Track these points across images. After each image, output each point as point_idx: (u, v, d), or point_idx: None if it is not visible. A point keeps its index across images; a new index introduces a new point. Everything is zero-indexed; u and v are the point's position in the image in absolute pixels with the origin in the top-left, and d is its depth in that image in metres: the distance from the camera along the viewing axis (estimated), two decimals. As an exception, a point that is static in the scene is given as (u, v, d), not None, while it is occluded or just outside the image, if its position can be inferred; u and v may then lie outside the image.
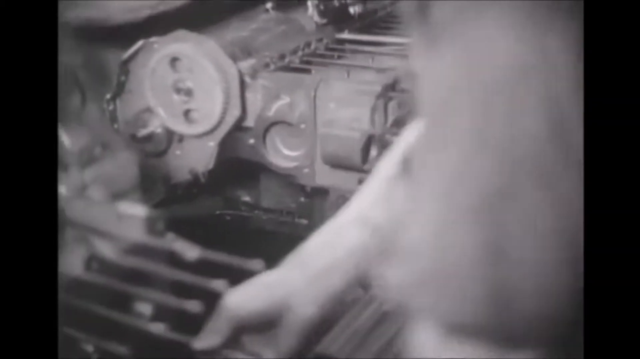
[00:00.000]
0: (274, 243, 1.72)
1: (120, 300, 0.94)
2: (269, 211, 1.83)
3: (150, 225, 0.99)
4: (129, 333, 0.92)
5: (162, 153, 1.66)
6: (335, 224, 1.12)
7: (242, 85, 1.60)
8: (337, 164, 1.56)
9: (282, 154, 1.63)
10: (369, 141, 1.53)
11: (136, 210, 1.00)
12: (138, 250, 0.98)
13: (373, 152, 1.54)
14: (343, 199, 1.63)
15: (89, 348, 0.92)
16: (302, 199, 1.76)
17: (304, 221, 1.78)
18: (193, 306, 0.82)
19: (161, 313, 0.96)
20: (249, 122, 1.62)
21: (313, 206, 1.73)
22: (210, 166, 1.65)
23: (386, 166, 1.11)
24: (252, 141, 1.62)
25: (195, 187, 1.74)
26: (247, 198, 1.84)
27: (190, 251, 0.97)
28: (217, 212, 1.85)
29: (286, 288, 1.06)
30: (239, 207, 1.85)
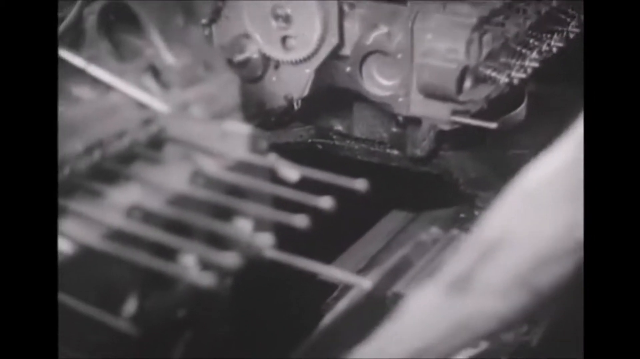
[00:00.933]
0: (365, 173, 1.71)
1: (223, 214, 0.93)
2: (360, 140, 1.81)
3: (254, 143, 0.98)
4: (231, 246, 0.91)
5: (258, 79, 1.66)
6: None
7: (341, 14, 1.58)
8: (432, 94, 1.53)
9: (378, 82, 1.61)
10: (464, 72, 1.51)
11: (240, 128, 0.99)
12: (241, 167, 0.97)
13: (467, 83, 1.52)
14: (435, 129, 1.62)
15: (189, 261, 0.91)
16: (395, 129, 1.73)
17: (395, 152, 1.76)
18: (300, 220, 0.81)
19: (262, 230, 0.95)
20: (346, 50, 1.61)
21: (405, 136, 1.71)
22: (306, 93, 1.64)
23: None
24: (348, 69, 1.61)
25: (289, 114, 1.73)
26: (339, 127, 1.83)
27: (293, 171, 0.96)
28: (309, 140, 1.83)
29: None
30: (330, 137, 1.83)
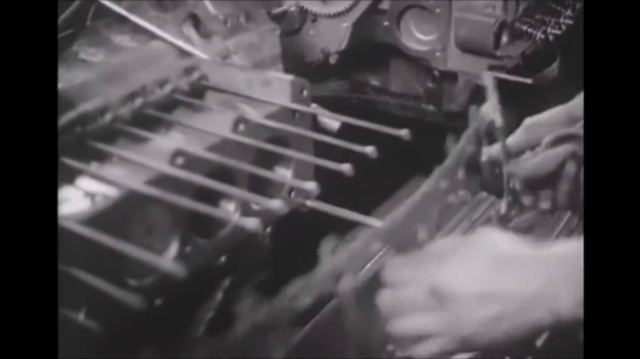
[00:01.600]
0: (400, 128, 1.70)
1: (265, 162, 0.92)
2: (396, 95, 1.79)
3: (296, 92, 0.97)
4: (273, 194, 0.91)
5: (295, 32, 1.64)
6: None
7: (379, -33, 1.56)
8: (469, 48, 1.52)
9: (416, 37, 1.60)
10: (501, 27, 1.50)
11: (283, 76, 0.97)
12: (283, 115, 0.95)
13: (504, 38, 1.51)
14: (470, 84, 1.60)
15: (231, 207, 0.90)
16: (430, 84, 1.72)
17: (431, 107, 1.74)
18: (346, 168, 0.80)
19: (304, 179, 0.94)
20: (384, 4, 1.60)
21: (441, 91, 1.70)
22: (343, 46, 1.62)
23: None
24: (386, 23, 1.60)
25: (325, 68, 1.71)
26: (375, 82, 1.81)
27: (334, 121, 0.95)
28: (344, 95, 1.82)
29: None
30: (366, 91, 1.81)
